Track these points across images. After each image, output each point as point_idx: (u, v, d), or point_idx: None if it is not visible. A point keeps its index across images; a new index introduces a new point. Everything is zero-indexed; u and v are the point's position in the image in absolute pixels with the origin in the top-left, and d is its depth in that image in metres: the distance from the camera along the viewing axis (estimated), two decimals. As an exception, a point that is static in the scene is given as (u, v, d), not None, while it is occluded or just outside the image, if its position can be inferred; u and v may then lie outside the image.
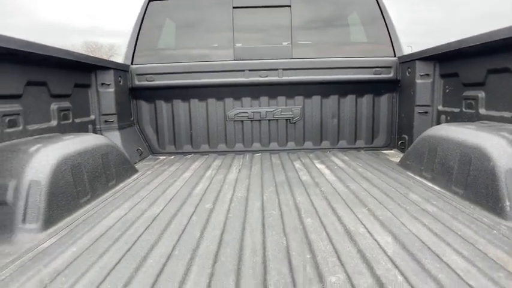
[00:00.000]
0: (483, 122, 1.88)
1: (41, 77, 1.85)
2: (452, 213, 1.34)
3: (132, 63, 2.74)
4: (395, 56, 2.69)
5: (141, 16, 2.74)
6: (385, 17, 2.67)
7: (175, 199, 1.62)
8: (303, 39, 2.78)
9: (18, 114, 1.66)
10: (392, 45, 2.70)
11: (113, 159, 1.88)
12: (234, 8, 2.69)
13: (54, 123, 1.94)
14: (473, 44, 1.84)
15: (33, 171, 1.31)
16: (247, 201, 1.55)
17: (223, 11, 2.71)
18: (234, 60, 2.70)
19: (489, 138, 1.43)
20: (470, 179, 1.46)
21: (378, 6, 2.68)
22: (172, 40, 2.86)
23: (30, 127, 1.75)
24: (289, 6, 2.68)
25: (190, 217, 1.37)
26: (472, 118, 2.00)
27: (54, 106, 1.95)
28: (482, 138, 1.46)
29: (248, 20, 2.79)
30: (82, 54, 2.15)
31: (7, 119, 1.58)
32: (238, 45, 2.75)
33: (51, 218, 1.30)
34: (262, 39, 2.83)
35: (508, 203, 1.25)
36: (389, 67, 2.66)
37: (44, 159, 1.37)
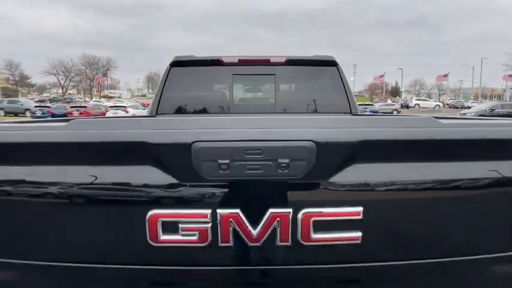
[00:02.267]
0: None
1: None
2: None
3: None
4: (351, 113, 3.14)
5: (164, 79, 3.16)
6: (344, 84, 3.18)
7: None
8: (284, 98, 3.29)
9: None
10: (349, 104, 3.16)
11: None
12: (233, 75, 3.15)
13: None
14: None
15: None
16: None
17: (226, 77, 3.19)
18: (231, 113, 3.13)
19: None
20: None
21: (339, 75, 3.19)
22: (187, 98, 3.26)
23: None
24: (274, 74, 3.16)
25: None
26: None
27: None
28: None
29: (244, 83, 3.31)
30: None
31: None
32: (235, 102, 3.18)
33: None
34: (254, 98, 3.39)
35: None
36: None
37: None
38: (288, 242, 0.82)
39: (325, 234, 0.83)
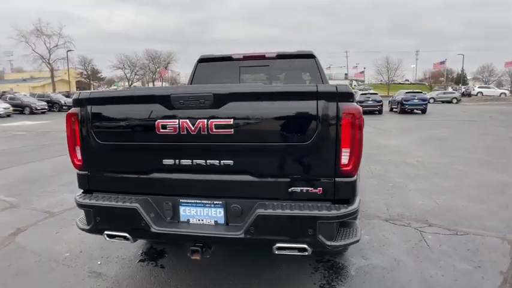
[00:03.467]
0: None
1: None
2: None
3: None
4: None
5: (193, 71, 4.39)
6: (319, 70, 4.04)
7: None
8: (275, 82, 4.29)
9: None
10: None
11: None
12: (240, 67, 4.25)
13: None
14: None
15: None
16: None
17: (235, 68, 4.27)
18: None
19: None
20: None
21: (316, 65, 4.07)
22: (209, 83, 4.41)
23: None
24: (268, 65, 4.20)
25: None
26: None
27: None
28: None
29: (247, 72, 4.36)
30: None
31: None
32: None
33: None
34: (255, 81, 4.35)
35: None
36: None
37: None
38: (205, 132, 2.05)
39: (219, 130, 2.04)
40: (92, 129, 2.29)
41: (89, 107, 2.28)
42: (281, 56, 4.13)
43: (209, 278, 2.81)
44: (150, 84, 69.80)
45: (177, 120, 2.10)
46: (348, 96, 1.99)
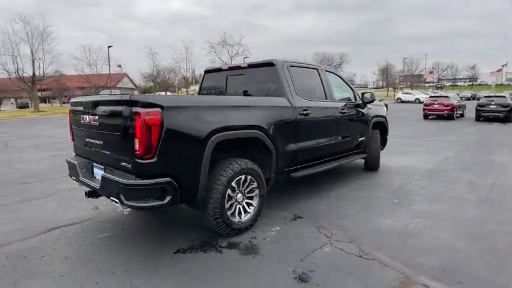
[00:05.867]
0: None
1: None
2: None
3: None
4: (283, 95, 4.41)
5: (202, 80, 5.77)
6: (279, 76, 4.44)
7: None
8: (250, 86, 4.93)
9: None
10: (283, 89, 4.41)
11: None
12: (227, 76, 5.27)
13: None
14: None
15: None
16: None
17: (223, 77, 5.31)
18: None
19: None
20: None
21: (277, 71, 4.46)
22: (210, 88, 5.57)
23: None
24: (244, 74, 4.96)
25: None
26: None
27: None
28: None
29: (231, 80, 5.28)
30: None
31: None
32: (228, 90, 5.26)
33: None
34: (236, 88, 5.18)
35: None
36: None
37: None
38: (92, 123, 3.42)
39: (94, 122, 3.36)
40: (72, 118, 4.07)
41: (72, 106, 4.07)
42: (252, 66, 4.94)
43: (147, 227, 4.18)
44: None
45: (85, 116, 3.57)
46: (137, 102, 2.89)
